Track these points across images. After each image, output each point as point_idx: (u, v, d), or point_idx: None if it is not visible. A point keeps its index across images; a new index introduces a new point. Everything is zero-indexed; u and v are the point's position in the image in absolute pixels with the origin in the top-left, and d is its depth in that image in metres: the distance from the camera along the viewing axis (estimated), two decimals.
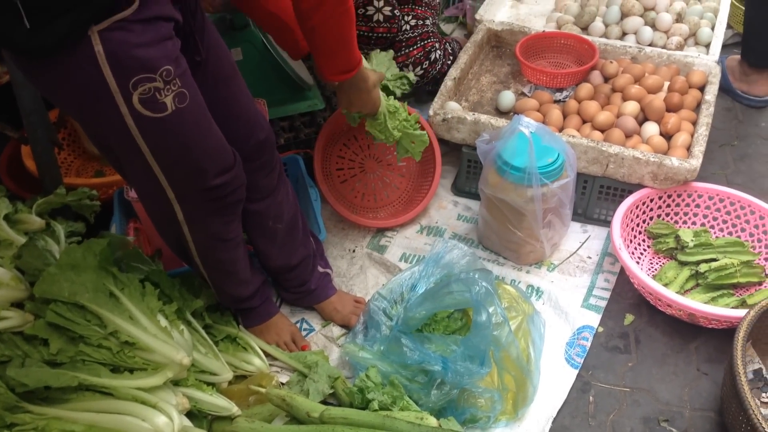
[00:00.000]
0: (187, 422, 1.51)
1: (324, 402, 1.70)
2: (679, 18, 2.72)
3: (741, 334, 1.65)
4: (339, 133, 2.28)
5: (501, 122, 2.21)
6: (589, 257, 2.17)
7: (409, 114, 1.98)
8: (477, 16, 2.80)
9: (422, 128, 2.03)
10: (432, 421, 1.56)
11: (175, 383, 1.53)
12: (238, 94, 1.58)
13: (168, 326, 1.51)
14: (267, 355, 1.85)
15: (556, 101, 2.46)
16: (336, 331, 1.95)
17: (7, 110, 2.02)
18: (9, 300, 1.53)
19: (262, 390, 1.66)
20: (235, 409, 1.63)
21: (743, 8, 2.70)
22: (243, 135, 1.61)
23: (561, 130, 2.31)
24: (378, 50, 2.07)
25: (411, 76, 2.05)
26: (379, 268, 2.14)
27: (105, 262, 1.51)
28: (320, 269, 1.96)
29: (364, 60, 1.71)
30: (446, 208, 2.35)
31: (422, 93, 2.68)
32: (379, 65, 2.01)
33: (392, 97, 1.96)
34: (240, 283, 1.80)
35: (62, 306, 1.41)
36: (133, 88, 1.21)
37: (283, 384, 1.80)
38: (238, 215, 1.63)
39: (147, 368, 1.44)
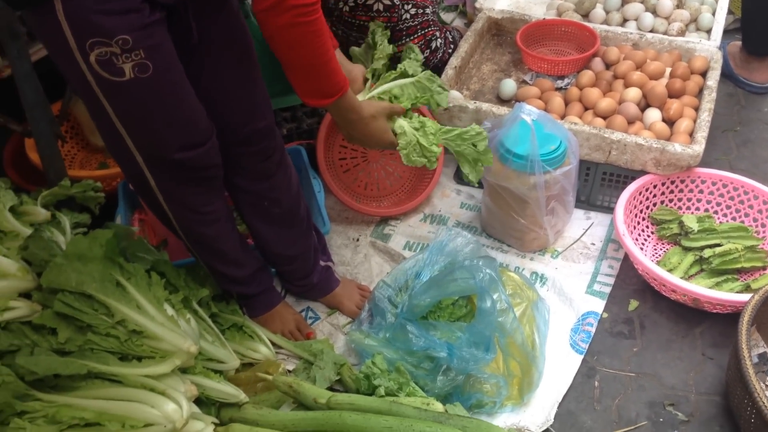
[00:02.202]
0: (196, 409, 1.52)
1: (330, 389, 1.70)
2: (680, 4, 2.71)
3: (746, 318, 1.65)
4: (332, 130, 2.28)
5: (503, 110, 2.21)
6: (593, 244, 2.17)
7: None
8: (477, 5, 2.79)
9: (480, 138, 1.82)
10: (438, 406, 1.56)
11: (183, 371, 1.54)
12: (243, 80, 1.58)
13: (175, 315, 1.52)
14: (273, 343, 1.85)
15: (558, 89, 2.46)
16: (342, 319, 1.96)
17: (10, 104, 2.03)
18: (16, 290, 1.53)
19: (269, 377, 1.67)
20: (242, 396, 1.64)
21: None
22: (240, 120, 1.62)
23: (563, 117, 2.31)
24: (412, 45, 1.93)
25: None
26: (383, 257, 2.15)
27: (111, 252, 1.51)
28: (322, 263, 1.97)
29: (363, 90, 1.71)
30: (449, 197, 2.35)
31: None
32: (411, 66, 1.83)
33: (415, 114, 1.79)
34: (229, 263, 1.78)
35: (69, 296, 1.41)
36: (90, 49, 1.28)
37: (289, 371, 1.81)
38: (213, 189, 1.62)
39: (155, 356, 1.44)
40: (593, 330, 1.91)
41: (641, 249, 2.10)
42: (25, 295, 1.55)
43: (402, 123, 1.74)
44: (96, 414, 1.36)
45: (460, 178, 2.41)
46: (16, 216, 1.74)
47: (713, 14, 2.67)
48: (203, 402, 1.59)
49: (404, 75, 1.82)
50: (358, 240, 2.20)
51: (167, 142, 1.46)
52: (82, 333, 1.42)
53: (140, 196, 1.65)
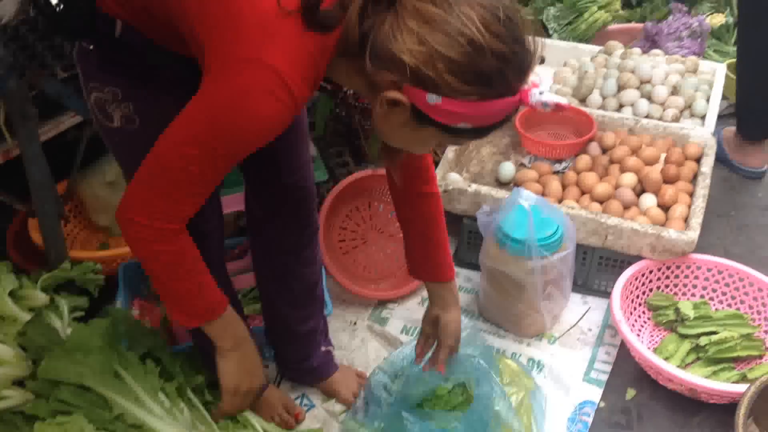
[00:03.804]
0: None
1: None
2: (675, 90, 2.78)
3: (742, 411, 1.64)
4: (341, 205, 2.31)
5: (501, 194, 2.24)
6: (590, 329, 2.17)
7: None
8: None
9: None
10: None
11: None
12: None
13: (170, 405, 1.51)
14: None
15: (556, 172, 2.50)
16: (338, 406, 1.95)
17: (16, 182, 2.06)
18: (11, 378, 1.53)
19: None
20: None
21: None
22: (281, 174, 1.65)
23: (560, 201, 2.34)
24: None
25: None
26: (381, 341, 2.15)
27: (110, 340, 1.52)
28: (323, 348, 1.97)
29: None
30: None
31: None
32: None
33: None
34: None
35: (66, 390, 1.41)
36: (91, 89, 1.38)
37: None
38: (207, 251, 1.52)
39: None
40: (590, 420, 1.90)
41: (638, 336, 2.10)
42: (18, 381, 1.55)
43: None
44: None
45: (459, 259, 2.43)
46: (15, 300, 1.75)
47: (707, 101, 2.73)
48: None
49: None
50: (355, 324, 2.20)
51: None
52: None
53: None
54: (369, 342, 2.14)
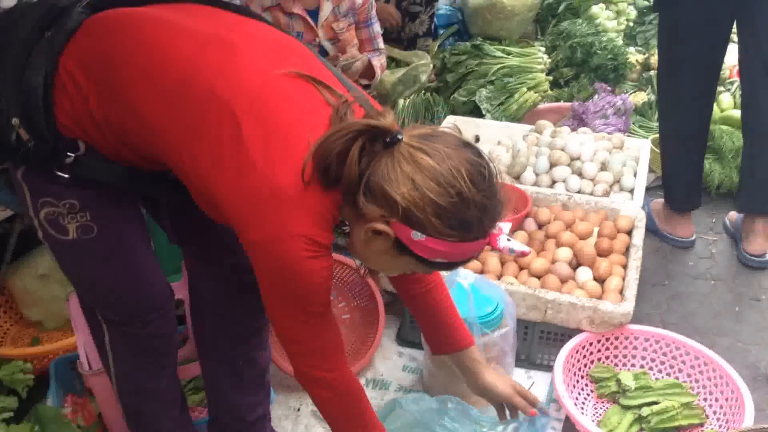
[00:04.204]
0: None
1: None
2: (604, 166, 2.88)
3: None
4: None
5: (442, 273, 2.26)
6: None
7: None
8: None
9: None
10: None
11: None
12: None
13: None
14: None
15: (493, 250, 2.54)
16: None
17: None
18: None
19: None
20: None
21: None
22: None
23: (500, 277, 2.38)
24: None
25: None
26: (326, 427, 2.10)
27: None
28: None
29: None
30: (391, 359, 2.35)
31: None
32: None
33: None
34: None
35: None
36: (41, 207, 1.38)
37: None
38: (161, 365, 1.62)
39: None
40: None
41: (582, 408, 2.11)
42: None
43: None
44: None
45: (402, 339, 2.42)
46: None
47: (635, 175, 2.84)
48: None
49: None
50: (299, 410, 2.16)
51: (112, 305, 1.48)
52: None
53: (96, 348, 1.64)
54: (313, 429, 2.09)
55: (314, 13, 2.73)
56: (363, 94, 1.41)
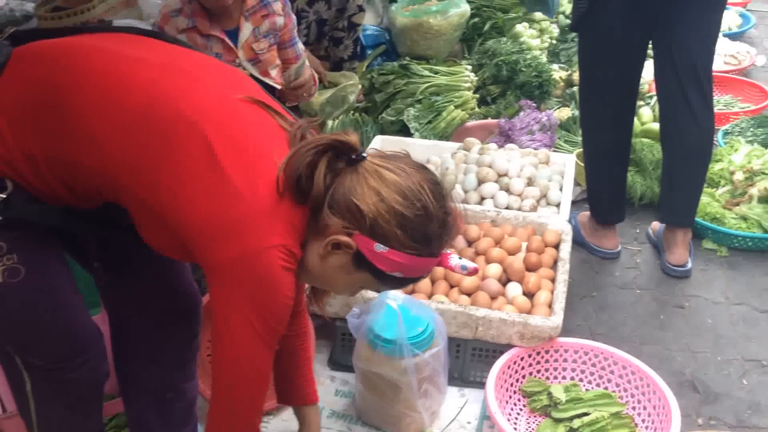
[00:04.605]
0: None
1: None
2: (531, 182, 2.92)
3: None
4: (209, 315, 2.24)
5: (371, 294, 2.25)
6: (469, 422, 2.17)
7: None
8: None
9: None
10: None
11: None
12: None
13: None
14: None
15: None
16: None
17: None
18: None
19: None
20: None
21: None
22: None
23: (430, 296, 2.38)
24: None
25: None
26: None
27: None
28: None
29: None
30: (323, 384, 2.32)
31: None
32: None
33: None
34: None
35: None
36: None
37: None
38: (87, 410, 1.57)
39: None
40: None
41: (514, 424, 2.12)
42: None
43: None
44: None
45: (334, 363, 2.40)
46: None
47: (561, 189, 2.88)
48: None
49: None
50: None
51: (39, 350, 1.42)
52: None
53: (14, 396, 1.57)
54: None
55: (233, 34, 2.70)
56: (309, 122, 1.43)
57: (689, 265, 2.81)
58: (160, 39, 1.48)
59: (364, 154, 1.31)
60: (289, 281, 1.29)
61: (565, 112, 3.75)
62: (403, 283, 1.40)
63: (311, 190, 1.26)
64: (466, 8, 4.21)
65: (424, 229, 1.29)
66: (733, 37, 4.79)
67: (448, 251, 1.41)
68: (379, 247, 1.28)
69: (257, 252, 1.24)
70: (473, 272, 1.45)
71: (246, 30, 2.68)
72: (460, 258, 1.43)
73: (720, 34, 2.65)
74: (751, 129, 3.59)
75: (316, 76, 2.92)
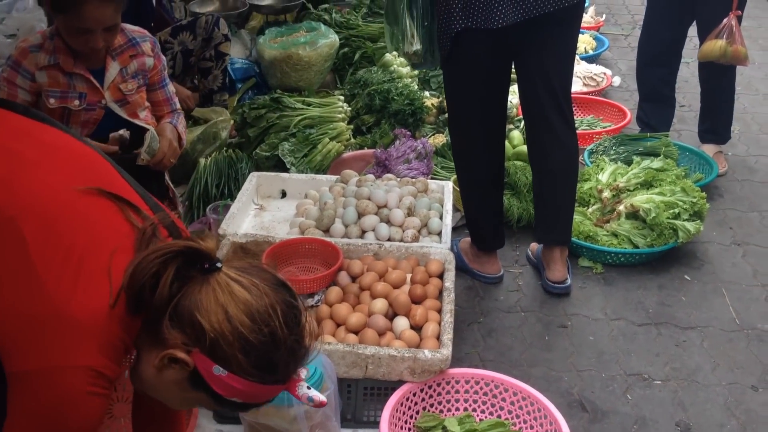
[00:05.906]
0: None
1: None
2: (410, 212, 2.91)
3: None
4: None
5: None
6: None
7: None
8: (220, 231, 2.79)
9: None
10: None
11: None
12: None
13: None
14: None
15: (309, 307, 2.47)
16: None
17: None
18: None
19: None
20: None
21: None
22: None
23: (317, 337, 2.30)
24: None
25: None
26: None
27: None
28: None
29: None
30: None
31: None
32: None
33: None
34: None
35: None
36: None
37: None
38: None
39: None
40: None
41: None
42: None
43: None
44: None
45: (220, 416, 2.27)
46: None
47: (440, 218, 2.89)
48: None
49: None
50: None
51: None
52: None
53: None
54: None
55: (99, 73, 2.55)
56: (168, 215, 1.35)
57: (569, 281, 2.88)
58: (7, 109, 1.36)
59: (219, 264, 1.22)
60: (94, 406, 1.18)
61: (440, 139, 3.79)
62: (244, 408, 1.34)
63: (151, 302, 1.18)
64: (334, 38, 4.20)
65: (269, 356, 1.22)
66: (589, 59, 5.02)
67: (299, 377, 1.34)
68: (218, 370, 1.20)
69: (57, 369, 1.14)
70: (320, 406, 1.39)
71: (113, 70, 2.54)
72: (309, 387, 1.35)
73: (577, 57, 2.74)
74: (614, 147, 3.75)
75: (176, 139, 2.70)
